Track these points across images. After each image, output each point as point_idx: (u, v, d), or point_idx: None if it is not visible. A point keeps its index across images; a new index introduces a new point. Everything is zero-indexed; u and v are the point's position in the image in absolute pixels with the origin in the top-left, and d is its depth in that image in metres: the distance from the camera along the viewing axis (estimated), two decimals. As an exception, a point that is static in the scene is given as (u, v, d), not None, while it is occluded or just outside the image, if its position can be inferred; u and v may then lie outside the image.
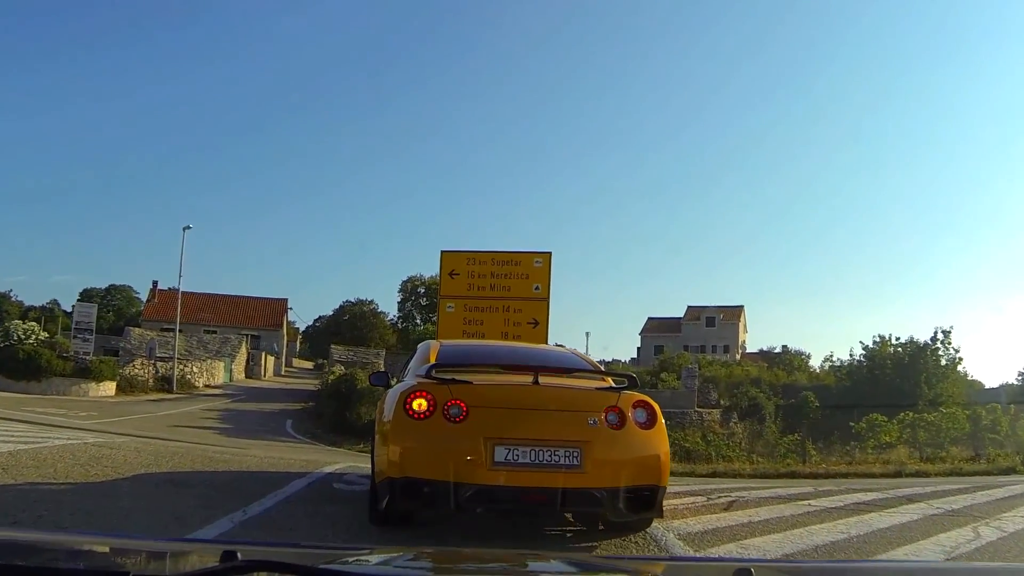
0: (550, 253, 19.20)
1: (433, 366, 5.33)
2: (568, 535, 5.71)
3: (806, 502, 7.35)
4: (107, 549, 2.03)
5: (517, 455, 4.74)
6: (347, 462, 10.21)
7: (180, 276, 36.17)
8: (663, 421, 5.20)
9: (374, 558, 2.05)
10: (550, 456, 4.76)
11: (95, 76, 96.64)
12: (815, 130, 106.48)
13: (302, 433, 21.81)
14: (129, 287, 79.87)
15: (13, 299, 74.97)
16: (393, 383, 6.32)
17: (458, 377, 5.10)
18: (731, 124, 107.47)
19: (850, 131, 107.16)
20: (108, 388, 30.54)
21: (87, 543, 2.18)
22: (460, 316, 19.70)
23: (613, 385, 5.44)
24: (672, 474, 13.64)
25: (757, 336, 76.95)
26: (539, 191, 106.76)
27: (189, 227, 35.98)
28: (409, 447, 4.89)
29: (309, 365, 67.39)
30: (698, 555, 4.95)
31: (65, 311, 62.16)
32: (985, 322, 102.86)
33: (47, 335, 34.42)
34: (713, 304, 73.27)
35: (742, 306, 74.73)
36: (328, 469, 8.57)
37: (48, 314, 61.98)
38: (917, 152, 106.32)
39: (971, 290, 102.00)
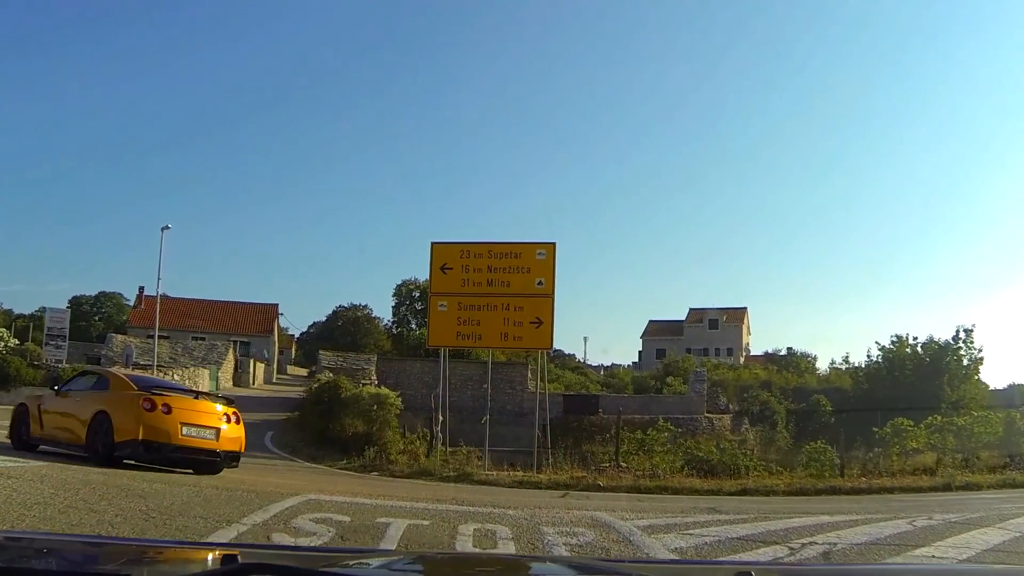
0: (554, 244, 16.96)
1: (154, 385, 12.00)
2: None
3: (919, 550, 5.39)
4: (109, 551, 2.01)
5: (192, 431, 10.81)
6: (311, 492, 8.20)
7: (159, 278, 34.63)
8: (244, 422, 12.02)
9: (374, 561, 2.13)
10: (205, 433, 10.94)
11: (94, 67, 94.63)
12: (817, 128, 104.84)
13: (282, 447, 19.79)
14: (119, 294, 77.64)
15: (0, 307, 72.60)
16: (61, 394, 12.10)
17: (164, 393, 11.17)
18: (735, 123, 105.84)
19: (852, 130, 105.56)
20: (80, 398, 28.47)
21: (88, 545, 2.22)
22: (454, 316, 17.37)
23: (226, 403, 11.86)
24: (698, 493, 11.75)
25: (760, 338, 75.03)
26: (537, 194, 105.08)
27: (168, 227, 34.17)
28: (146, 423, 10.50)
29: (304, 372, 65.28)
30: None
31: (51, 318, 59.96)
32: (984, 321, 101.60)
33: (17, 342, 32.39)
34: (715, 306, 71.40)
35: (745, 308, 72.93)
36: (277, 508, 6.56)
37: (36, 322, 59.89)
38: (918, 150, 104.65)
39: (969, 289, 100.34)
